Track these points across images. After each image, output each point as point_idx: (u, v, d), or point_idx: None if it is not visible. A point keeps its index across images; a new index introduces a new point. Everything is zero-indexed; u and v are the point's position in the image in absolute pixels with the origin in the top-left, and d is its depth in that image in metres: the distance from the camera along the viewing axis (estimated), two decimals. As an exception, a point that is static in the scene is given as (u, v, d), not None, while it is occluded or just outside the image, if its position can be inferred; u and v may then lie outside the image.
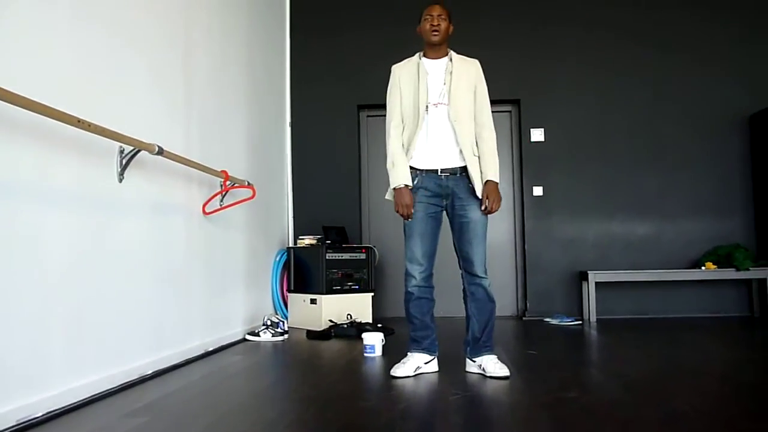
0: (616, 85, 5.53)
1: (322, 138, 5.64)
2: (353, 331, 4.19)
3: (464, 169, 2.87)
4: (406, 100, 2.93)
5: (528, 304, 5.46)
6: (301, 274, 4.91)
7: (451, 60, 2.95)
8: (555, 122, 5.54)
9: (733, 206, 5.41)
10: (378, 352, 3.39)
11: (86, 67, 2.45)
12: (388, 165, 2.93)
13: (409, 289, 2.91)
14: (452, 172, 2.88)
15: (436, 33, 2.90)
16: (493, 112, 3.02)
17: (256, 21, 4.87)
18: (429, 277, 2.93)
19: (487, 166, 2.88)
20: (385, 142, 2.98)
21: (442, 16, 2.92)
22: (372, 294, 4.90)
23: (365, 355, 3.39)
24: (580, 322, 5.05)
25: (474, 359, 2.88)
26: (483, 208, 2.85)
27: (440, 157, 2.89)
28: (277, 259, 5.06)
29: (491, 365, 2.79)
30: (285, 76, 5.65)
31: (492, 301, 2.88)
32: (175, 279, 3.19)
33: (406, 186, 2.86)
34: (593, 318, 5.09)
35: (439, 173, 2.89)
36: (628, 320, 5.09)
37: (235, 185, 3.89)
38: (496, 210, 2.86)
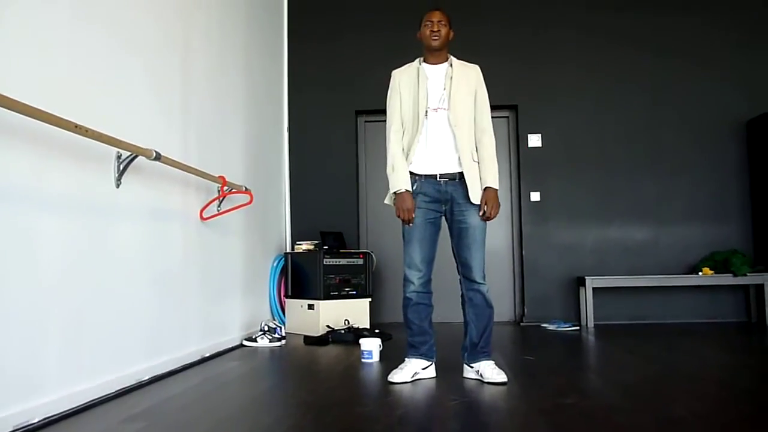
0: (614, 91, 5.55)
1: (319, 143, 5.64)
2: (351, 336, 4.18)
3: (463, 174, 2.87)
4: (405, 104, 2.94)
5: (525, 310, 5.46)
6: (299, 279, 4.90)
7: (451, 65, 2.95)
8: (552, 128, 5.55)
9: (730, 212, 5.42)
10: (375, 357, 3.38)
11: (84, 71, 2.45)
12: (388, 170, 2.92)
13: (408, 295, 2.91)
14: (451, 177, 2.88)
15: (436, 38, 2.90)
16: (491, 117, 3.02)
17: (254, 26, 4.87)
18: (427, 282, 2.93)
19: (487, 172, 2.88)
20: (384, 147, 2.98)
21: (443, 22, 2.93)
22: (369, 299, 4.90)
23: (363, 360, 3.37)
24: (578, 327, 5.06)
25: (471, 365, 2.87)
26: (481, 213, 2.85)
27: (439, 163, 2.89)
28: (275, 264, 5.05)
29: (489, 371, 2.79)
30: (283, 81, 5.65)
31: (490, 306, 2.88)
32: (172, 284, 3.18)
33: (407, 191, 2.86)
34: (591, 323, 5.08)
35: (438, 179, 2.88)
36: (625, 326, 5.09)
37: (233, 191, 3.89)
38: (495, 217, 2.86)
